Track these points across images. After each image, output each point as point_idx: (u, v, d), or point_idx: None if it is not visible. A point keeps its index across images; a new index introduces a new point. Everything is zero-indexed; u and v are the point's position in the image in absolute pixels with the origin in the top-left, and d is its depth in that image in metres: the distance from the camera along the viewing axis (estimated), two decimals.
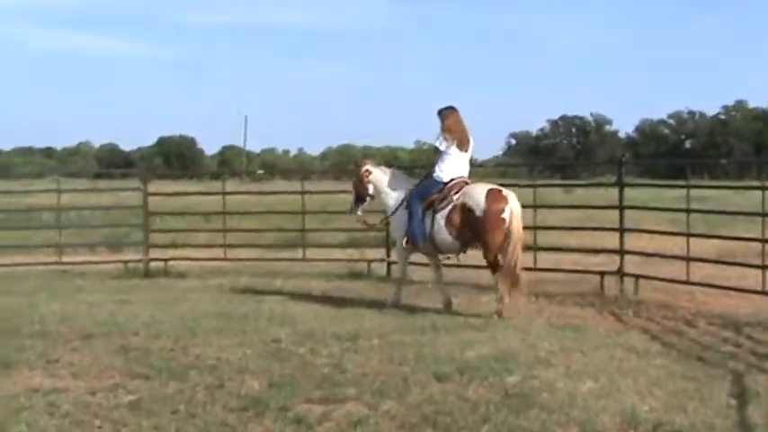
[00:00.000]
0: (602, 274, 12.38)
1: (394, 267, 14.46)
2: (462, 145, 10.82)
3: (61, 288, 13.12)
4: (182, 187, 26.40)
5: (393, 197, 11.22)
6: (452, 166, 10.77)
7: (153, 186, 16.76)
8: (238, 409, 6.26)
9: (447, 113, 10.89)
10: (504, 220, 10.22)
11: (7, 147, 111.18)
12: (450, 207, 10.52)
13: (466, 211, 10.39)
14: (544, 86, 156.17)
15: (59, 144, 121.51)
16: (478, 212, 10.28)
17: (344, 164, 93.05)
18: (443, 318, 10.00)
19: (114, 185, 34.68)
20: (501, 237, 10.22)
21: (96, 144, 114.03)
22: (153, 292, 12.76)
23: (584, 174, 64.60)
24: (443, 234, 10.56)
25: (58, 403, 6.43)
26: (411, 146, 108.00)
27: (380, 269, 14.45)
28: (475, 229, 10.34)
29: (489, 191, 10.45)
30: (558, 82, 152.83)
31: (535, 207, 13.41)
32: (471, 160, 11.13)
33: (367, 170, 11.48)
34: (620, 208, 12.59)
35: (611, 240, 12.82)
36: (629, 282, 12.18)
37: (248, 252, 16.01)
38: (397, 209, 11.08)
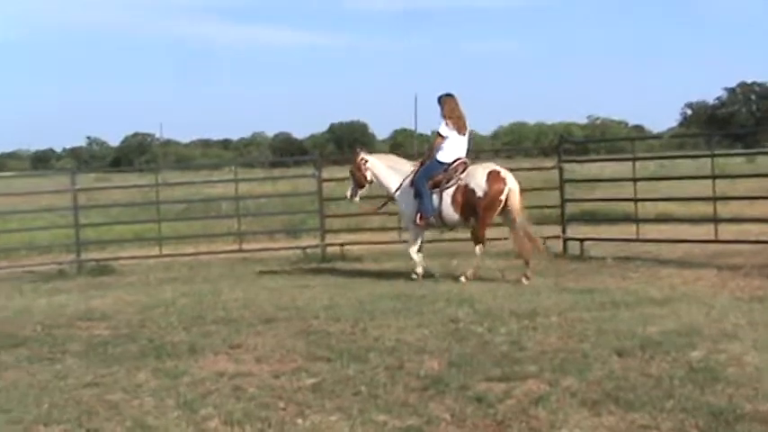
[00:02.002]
0: None
1: (570, 244, 14.27)
2: (461, 129, 11.91)
3: (243, 275, 13.60)
4: None
5: (394, 179, 12.29)
6: (453, 149, 11.88)
7: (326, 172, 17.10)
8: (419, 389, 6.30)
9: (446, 100, 11.92)
10: (500, 201, 11.51)
11: (186, 139, 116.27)
12: (454, 187, 11.74)
13: (469, 191, 11.61)
14: (719, 54, 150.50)
15: (235, 135, 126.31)
16: (480, 193, 11.54)
17: (517, 143, 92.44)
18: (623, 293, 9.80)
19: (289, 173, 35.51)
20: (494, 215, 11.63)
21: (270, 134, 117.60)
22: (331, 276, 13.05)
23: (766, 142, 61.65)
24: (449, 210, 11.76)
25: (244, 386, 6.62)
26: (584, 121, 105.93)
27: (556, 246, 14.25)
28: (474, 207, 11.58)
29: (489, 173, 11.64)
30: (733, 49, 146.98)
31: (714, 177, 12.92)
32: (470, 142, 12.13)
33: (363, 158, 12.49)
34: None
35: None
36: None
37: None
38: (398, 189, 12.18)
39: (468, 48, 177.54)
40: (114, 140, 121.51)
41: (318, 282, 12.28)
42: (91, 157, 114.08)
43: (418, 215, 11.95)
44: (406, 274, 12.25)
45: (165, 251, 16.42)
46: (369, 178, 12.53)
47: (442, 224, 12.15)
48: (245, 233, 17.42)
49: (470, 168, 11.87)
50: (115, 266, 15.56)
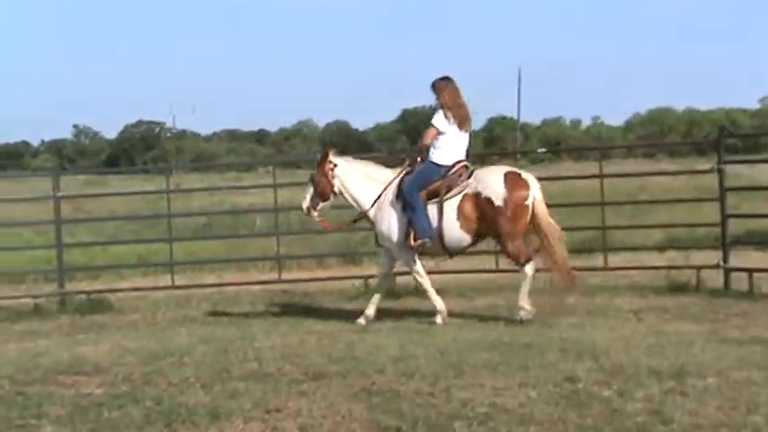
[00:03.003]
0: None
1: (735, 277, 14.11)
2: (463, 124, 12.36)
3: (282, 314, 13.69)
4: None
5: (370, 191, 12.70)
6: (453, 149, 12.33)
7: None
8: None
9: (445, 85, 12.38)
10: (527, 207, 11.93)
11: (207, 130, 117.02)
12: (459, 197, 12.12)
13: (483, 201, 12.00)
14: None
15: (273, 125, 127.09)
16: (498, 202, 11.92)
17: (660, 137, 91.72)
18: None
19: None
20: (523, 226, 11.97)
21: (321, 123, 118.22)
22: (401, 316, 13.11)
23: None
24: (454, 228, 12.17)
25: None
26: (754, 106, 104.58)
27: (715, 278, 14.10)
28: (494, 219, 11.97)
29: (506, 175, 12.07)
30: None
31: None
32: (471, 142, 12.61)
33: (332, 162, 12.86)
34: None
35: None
36: None
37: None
38: (374, 203, 12.61)
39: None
40: (110, 131, 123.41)
41: (384, 324, 12.33)
42: (79, 154, 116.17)
43: (411, 236, 12.29)
44: (504, 315, 12.25)
45: (178, 281, 16.63)
46: (336, 188, 12.89)
47: (442, 248, 12.46)
48: (286, 257, 17.53)
49: (478, 172, 12.33)
50: (111, 301, 15.80)
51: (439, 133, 12.30)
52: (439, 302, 12.49)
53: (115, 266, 18.56)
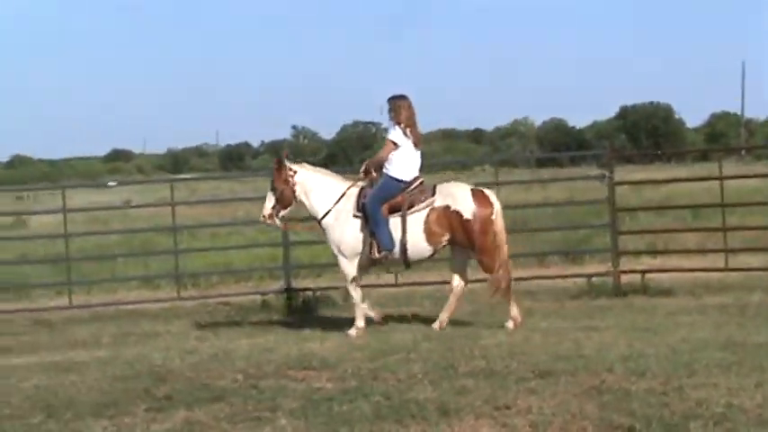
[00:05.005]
0: None
1: None
2: (418, 142, 12.87)
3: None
4: (656, 173, 26.51)
5: (325, 201, 12.96)
6: (409, 164, 12.77)
7: (618, 173, 16.95)
8: None
9: (400, 104, 12.75)
10: (493, 221, 12.69)
11: (422, 129, 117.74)
12: (424, 211, 12.61)
13: (452, 214, 12.59)
14: None
15: (489, 124, 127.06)
16: (468, 215, 12.58)
17: None
18: None
19: (564, 174, 35.37)
20: (492, 239, 12.68)
21: (537, 120, 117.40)
22: (628, 314, 13.03)
23: None
24: (418, 241, 12.65)
25: None
26: None
27: None
28: (464, 232, 12.60)
29: (474, 192, 12.77)
30: None
31: None
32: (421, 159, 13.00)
33: (291, 169, 13.08)
34: None
35: None
36: None
37: (760, 258, 15.69)
38: (326, 215, 12.91)
39: None
40: (328, 132, 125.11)
41: (611, 323, 12.23)
42: (298, 154, 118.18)
43: (375, 248, 12.68)
44: (734, 314, 12.01)
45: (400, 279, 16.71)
46: (299, 196, 13.12)
47: (402, 261, 12.88)
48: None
49: (441, 187, 12.86)
50: (335, 298, 16.10)
51: (396, 148, 12.66)
52: (361, 321, 12.89)
53: (336, 265, 18.82)
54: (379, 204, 12.63)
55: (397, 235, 12.63)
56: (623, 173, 18.31)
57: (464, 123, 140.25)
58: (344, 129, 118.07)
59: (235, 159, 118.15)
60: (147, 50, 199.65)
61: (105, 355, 12.04)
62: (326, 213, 12.93)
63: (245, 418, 8.28)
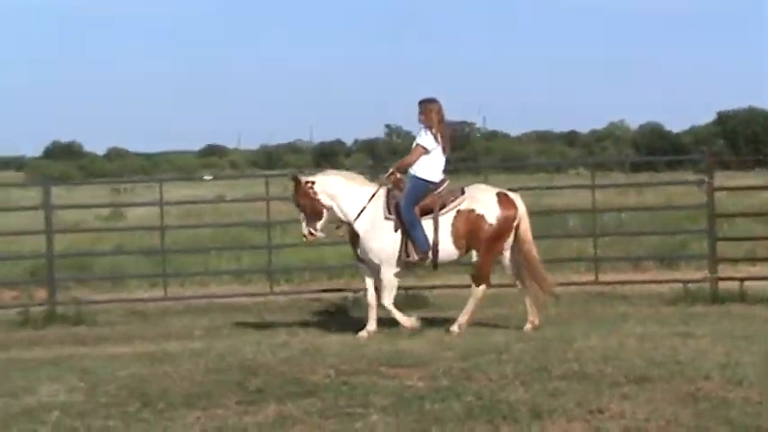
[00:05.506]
0: None
1: None
2: (446, 149, 13.01)
3: (600, 316, 13.64)
4: (756, 180, 26.19)
5: (355, 203, 12.89)
6: (437, 166, 12.92)
7: (717, 179, 16.82)
8: None
9: (431, 107, 12.91)
10: (513, 226, 12.87)
11: (516, 131, 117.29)
12: (453, 213, 12.79)
13: (475, 217, 12.78)
14: None
15: (585, 126, 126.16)
16: (491, 219, 12.78)
17: None
18: None
19: (660, 179, 35.10)
20: (503, 245, 12.88)
21: (634, 124, 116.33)
22: (725, 322, 12.89)
23: None
24: (447, 243, 12.80)
25: None
26: None
27: None
28: (482, 236, 12.77)
29: (499, 195, 12.97)
30: None
31: None
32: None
33: (308, 182, 12.97)
34: None
35: None
36: None
37: None
38: (359, 216, 12.82)
39: None
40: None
41: (707, 329, 12.04)
42: (391, 153, 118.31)
43: (412, 251, 12.75)
44: None
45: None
46: (326, 203, 12.96)
47: (433, 262, 12.99)
48: (603, 259, 17.42)
49: (470, 191, 13.05)
50: (428, 297, 16.08)
51: (426, 153, 12.81)
52: (373, 324, 12.92)
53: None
54: (412, 206, 12.74)
55: (430, 236, 12.74)
56: (722, 179, 18.11)
57: (559, 125, 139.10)
58: None
59: (328, 156, 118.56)
60: (243, 48, 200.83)
61: (198, 347, 12.14)
62: (359, 214, 12.88)
63: (337, 413, 8.32)
